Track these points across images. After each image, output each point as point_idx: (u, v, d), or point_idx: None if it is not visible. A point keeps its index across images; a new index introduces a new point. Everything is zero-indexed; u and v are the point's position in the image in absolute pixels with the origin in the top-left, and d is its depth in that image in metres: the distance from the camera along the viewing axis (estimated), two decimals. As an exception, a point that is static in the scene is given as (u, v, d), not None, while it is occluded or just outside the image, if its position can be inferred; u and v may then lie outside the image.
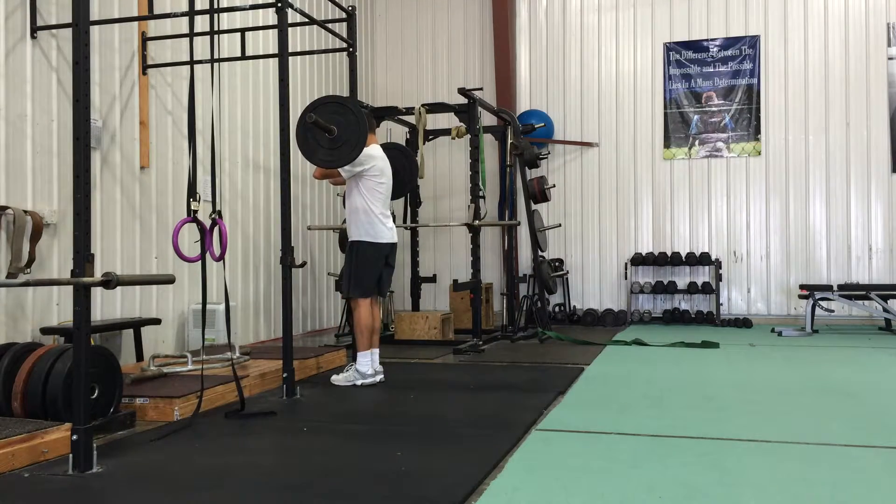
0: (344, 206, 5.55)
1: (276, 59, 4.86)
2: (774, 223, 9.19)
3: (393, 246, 5.25)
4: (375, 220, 5.09)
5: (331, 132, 4.77)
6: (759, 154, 9.23)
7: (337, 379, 5.19)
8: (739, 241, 9.29)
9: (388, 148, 5.78)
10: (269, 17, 6.70)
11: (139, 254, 5.83)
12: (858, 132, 8.95)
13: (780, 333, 7.91)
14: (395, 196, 5.57)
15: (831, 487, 2.80)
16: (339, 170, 5.06)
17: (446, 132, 8.28)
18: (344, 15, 5.96)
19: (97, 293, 5.22)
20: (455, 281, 8.89)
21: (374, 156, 5.09)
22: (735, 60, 9.29)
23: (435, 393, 4.95)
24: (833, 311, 8.28)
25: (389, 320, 8.19)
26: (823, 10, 9.08)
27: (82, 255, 3.07)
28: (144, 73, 5.90)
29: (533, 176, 8.42)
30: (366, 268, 5.13)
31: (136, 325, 5.47)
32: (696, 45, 9.42)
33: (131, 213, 5.78)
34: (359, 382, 5.10)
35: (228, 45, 6.51)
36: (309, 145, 4.86)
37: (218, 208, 4.28)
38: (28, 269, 4.72)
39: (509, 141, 8.31)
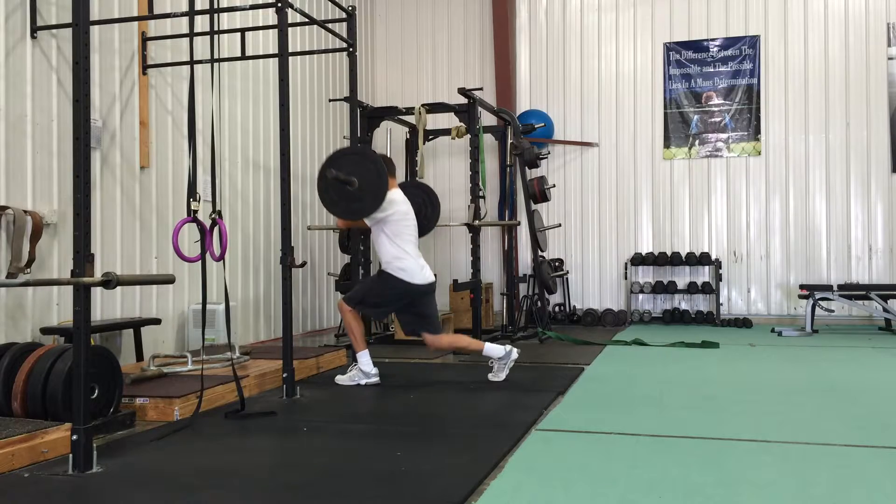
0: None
1: (276, 59, 4.86)
2: (774, 223, 9.19)
3: (428, 287, 5.12)
4: (410, 260, 5.04)
5: (351, 184, 4.82)
6: (759, 154, 9.23)
7: (341, 379, 5.20)
8: (739, 241, 9.29)
9: (408, 187, 5.79)
10: (269, 17, 6.70)
11: (139, 254, 5.83)
12: (858, 132, 8.95)
13: (780, 333, 7.91)
14: (419, 235, 5.49)
15: (831, 487, 2.80)
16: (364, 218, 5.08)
17: (446, 132, 8.28)
18: (344, 15, 5.96)
19: (97, 293, 5.22)
20: (455, 281, 8.89)
21: (396, 200, 5.06)
22: (735, 60, 9.29)
23: (435, 393, 4.95)
24: (833, 311, 8.28)
25: (390, 320, 8.18)
26: (823, 10, 9.08)
27: (82, 255, 3.07)
28: (144, 73, 5.90)
29: (533, 176, 8.41)
30: (381, 297, 5.08)
31: (136, 325, 5.47)
32: (696, 45, 9.42)
33: (131, 213, 5.78)
34: (363, 382, 5.11)
35: (228, 45, 6.52)
36: (331, 198, 4.92)
37: (218, 208, 4.28)
38: (28, 269, 4.72)
39: (509, 141, 8.31)
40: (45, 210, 4.96)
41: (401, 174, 8.69)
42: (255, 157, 7.50)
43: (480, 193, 7.39)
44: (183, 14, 5.20)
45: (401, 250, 5.03)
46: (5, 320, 4.70)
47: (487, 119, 8.60)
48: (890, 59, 8.89)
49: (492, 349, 5.14)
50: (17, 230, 4.62)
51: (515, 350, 5.20)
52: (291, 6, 4.95)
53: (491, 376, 5.16)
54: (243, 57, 6.17)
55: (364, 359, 5.13)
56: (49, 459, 3.25)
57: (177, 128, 6.29)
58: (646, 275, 9.51)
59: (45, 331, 4.86)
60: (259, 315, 7.52)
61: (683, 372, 5.63)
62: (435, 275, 9.47)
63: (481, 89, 8.09)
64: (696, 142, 9.42)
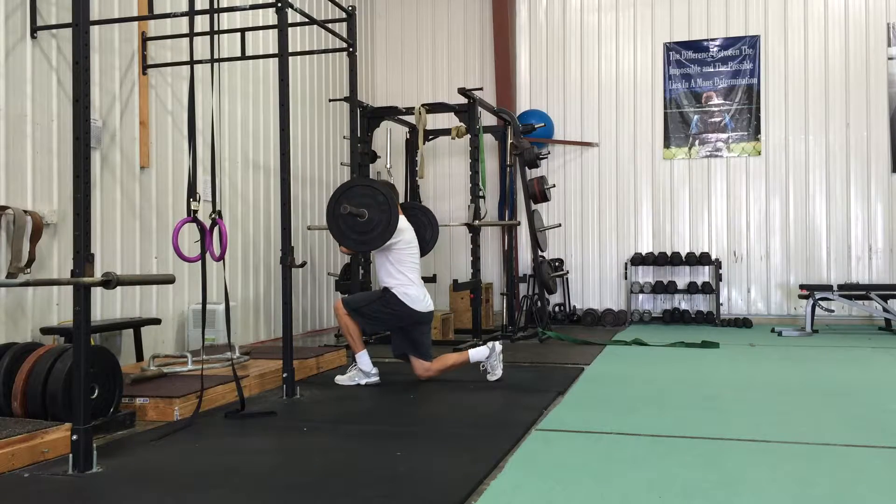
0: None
1: (276, 59, 4.86)
2: (774, 223, 9.19)
3: (428, 316, 5.17)
4: (414, 287, 5.10)
5: (362, 216, 4.89)
6: (759, 154, 9.23)
7: (341, 379, 5.20)
8: (739, 241, 9.28)
9: (407, 208, 5.85)
10: (269, 17, 6.70)
11: (139, 254, 5.83)
12: (858, 132, 8.95)
13: (780, 333, 7.91)
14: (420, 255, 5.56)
15: (831, 487, 2.80)
16: None
17: (446, 132, 8.28)
18: (344, 15, 5.96)
19: (97, 293, 5.22)
20: (455, 281, 8.89)
21: (401, 228, 5.11)
22: (735, 60, 9.29)
23: (435, 393, 4.95)
24: (833, 311, 8.28)
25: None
26: (823, 10, 9.08)
27: (82, 255, 3.07)
28: (144, 73, 5.90)
29: (533, 176, 8.41)
30: (380, 314, 5.09)
31: (136, 325, 5.47)
32: (696, 45, 9.42)
33: (131, 213, 5.78)
34: (363, 382, 5.11)
35: (228, 45, 6.51)
36: (341, 230, 5.00)
37: (218, 208, 4.28)
38: (28, 269, 4.72)
39: (509, 141, 8.31)
40: (45, 210, 4.96)
41: (401, 174, 8.70)
42: (255, 157, 7.50)
43: (480, 193, 7.39)
44: (183, 14, 5.20)
45: (405, 277, 5.09)
46: (5, 320, 4.70)
47: (487, 119, 8.59)
48: (890, 59, 8.89)
49: (477, 353, 5.16)
50: (17, 230, 4.62)
51: (498, 343, 5.23)
52: (291, 6, 4.95)
53: (489, 377, 5.16)
54: (243, 57, 6.17)
55: (363, 359, 5.13)
56: (49, 459, 3.25)
57: (177, 128, 6.29)
58: (646, 275, 9.51)
59: (45, 331, 4.86)
60: (259, 315, 7.52)
61: (683, 372, 5.63)
62: (434, 275, 9.57)
63: (481, 89, 8.09)
64: (696, 142, 9.42)
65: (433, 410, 4.44)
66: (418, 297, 5.10)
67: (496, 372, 5.15)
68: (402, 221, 5.17)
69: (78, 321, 3.08)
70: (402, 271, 5.09)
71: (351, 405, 4.59)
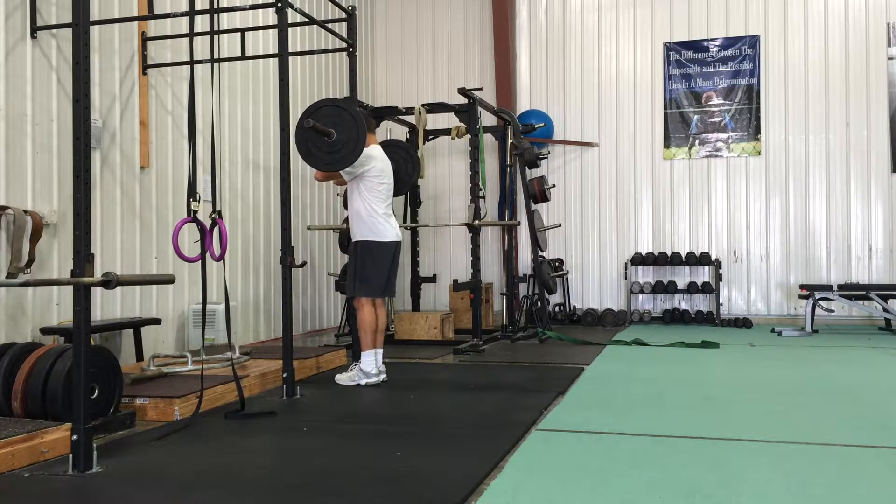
0: (345, 207, 5.54)
1: (276, 59, 4.86)
2: (774, 223, 9.19)
3: (398, 245, 5.25)
4: (379, 219, 5.10)
5: (329, 136, 4.78)
6: (759, 154, 9.23)
7: (341, 378, 5.19)
8: (739, 241, 9.28)
9: (388, 145, 5.81)
10: (269, 17, 6.71)
11: (139, 254, 5.83)
12: (858, 132, 8.95)
13: (780, 333, 7.91)
14: (397, 193, 5.57)
15: (831, 487, 2.80)
16: (340, 171, 5.07)
17: (446, 132, 8.28)
18: (344, 15, 5.96)
19: (97, 293, 5.22)
20: (455, 281, 8.89)
21: (374, 156, 5.10)
22: (735, 60, 9.29)
23: (435, 393, 4.95)
24: (833, 311, 8.28)
25: (390, 320, 8.19)
26: (823, 10, 9.08)
27: (82, 255, 3.07)
28: (144, 73, 5.90)
29: (533, 176, 8.41)
30: (372, 267, 5.13)
31: (136, 325, 5.47)
32: (696, 45, 9.42)
33: (131, 213, 5.78)
34: (363, 382, 5.11)
35: (228, 45, 6.52)
36: (308, 150, 4.88)
37: (218, 208, 4.28)
38: (28, 269, 4.72)
39: (509, 141, 8.31)
40: (45, 210, 4.96)
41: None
42: (255, 157, 7.50)
43: (480, 193, 7.39)
44: (183, 14, 5.20)
45: (370, 208, 5.08)
46: (5, 320, 4.70)
47: (487, 119, 8.59)
48: (890, 59, 8.89)
49: (365, 361, 5.12)
50: (17, 230, 4.62)
51: (383, 377, 5.16)
52: (291, 6, 4.95)
53: (339, 376, 5.22)
54: (243, 57, 6.17)
55: (368, 358, 5.13)
56: (49, 459, 3.25)
57: (177, 128, 6.29)
58: (646, 275, 9.51)
59: (45, 331, 4.86)
60: (259, 315, 7.51)
61: (683, 372, 5.63)
62: (434, 275, 9.56)
63: (481, 89, 8.09)
64: (696, 142, 9.42)
65: (433, 410, 4.44)
66: (384, 229, 5.10)
67: (347, 381, 5.15)
68: (377, 150, 5.17)
69: (78, 321, 3.08)
70: (368, 200, 5.08)
71: (351, 405, 4.59)
